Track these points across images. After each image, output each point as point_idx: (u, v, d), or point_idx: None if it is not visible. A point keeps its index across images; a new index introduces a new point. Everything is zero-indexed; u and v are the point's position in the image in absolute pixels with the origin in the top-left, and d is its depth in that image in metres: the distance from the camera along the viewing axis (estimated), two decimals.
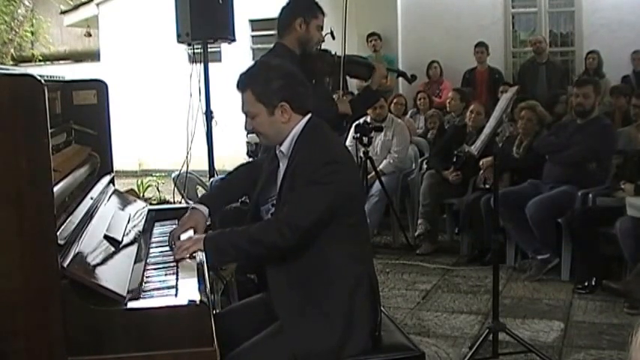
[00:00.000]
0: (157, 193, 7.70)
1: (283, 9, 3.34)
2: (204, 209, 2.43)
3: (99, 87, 2.79)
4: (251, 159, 7.49)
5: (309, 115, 2.28)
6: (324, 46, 3.45)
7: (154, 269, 2.18)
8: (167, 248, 2.41)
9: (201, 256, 2.20)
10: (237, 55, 9.23)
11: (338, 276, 2.17)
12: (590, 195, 4.63)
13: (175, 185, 5.34)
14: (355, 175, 2.35)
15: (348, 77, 3.86)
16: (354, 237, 2.23)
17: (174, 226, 2.76)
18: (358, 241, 2.26)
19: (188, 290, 1.93)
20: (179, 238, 2.35)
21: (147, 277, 2.10)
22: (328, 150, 2.23)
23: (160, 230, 2.74)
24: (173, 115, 7.15)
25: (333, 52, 3.49)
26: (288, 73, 2.26)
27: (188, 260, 2.18)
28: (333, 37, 3.49)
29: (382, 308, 2.32)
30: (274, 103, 2.20)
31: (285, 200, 2.22)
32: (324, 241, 2.17)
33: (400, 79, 8.24)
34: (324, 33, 3.37)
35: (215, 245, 2.19)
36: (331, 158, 2.19)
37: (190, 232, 2.37)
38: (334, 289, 2.16)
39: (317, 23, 3.30)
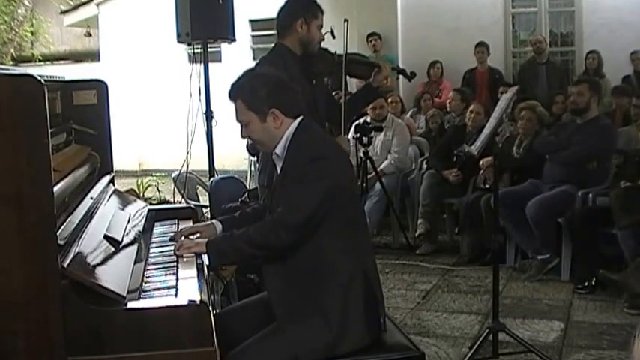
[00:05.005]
0: (157, 193, 7.70)
1: (282, 9, 3.30)
2: (219, 227, 2.52)
3: (99, 87, 2.80)
4: (252, 158, 7.53)
5: (300, 118, 2.32)
6: (324, 44, 3.43)
7: (154, 269, 2.18)
8: (167, 248, 2.42)
9: (202, 256, 2.26)
10: (237, 55, 9.22)
11: (332, 271, 2.19)
12: (590, 195, 4.62)
13: (175, 185, 5.34)
14: (344, 167, 2.35)
15: (348, 77, 3.85)
16: (350, 232, 2.26)
17: (174, 226, 2.78)
18: (355, 236, 2.27)
19: (188, 290, 1.94)
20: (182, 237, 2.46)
21: (147, 277, 2.10)
22: (314, 147, 2.29)
23: (160, 230, 2.74)
24: (173, 115, 7.14)
25: (334, 51, 3.46)
26: (273, 80, 2.31)
27: (188, 256, 2.25)
28: (334, 37, 3.45)
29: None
30: (265, 110, 2.25)
31: (278, 200, 2.29)
32: (320, 236, 2.20)
33: (400, 79, 8.31)
34: (324, 32, 3.35)
35: (216, 248, 2.29)
36: (317, 154, 2.24)
37: (197, 236, 2.47)
38: (328, 284, 2.18)
39: (317, 23, 3.27)
